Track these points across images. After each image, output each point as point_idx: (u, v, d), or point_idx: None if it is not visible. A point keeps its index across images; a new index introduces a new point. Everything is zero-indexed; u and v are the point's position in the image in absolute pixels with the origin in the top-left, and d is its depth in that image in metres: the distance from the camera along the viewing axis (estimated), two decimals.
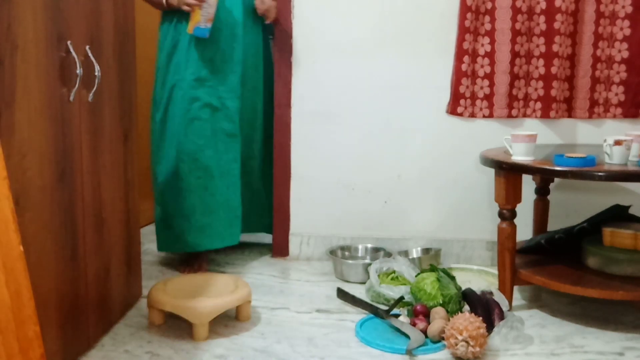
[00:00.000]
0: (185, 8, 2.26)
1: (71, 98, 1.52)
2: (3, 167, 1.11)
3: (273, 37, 2.61)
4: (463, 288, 1.99)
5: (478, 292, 1.96)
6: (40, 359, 1.16)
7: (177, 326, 1.89)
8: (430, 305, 1.90)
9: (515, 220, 2.02)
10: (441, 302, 1.90)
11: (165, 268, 2.48)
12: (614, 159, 1.86)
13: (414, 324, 1.83)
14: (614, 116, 2.49)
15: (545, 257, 2.18)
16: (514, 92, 2.50)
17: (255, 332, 1.87)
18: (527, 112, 2.52)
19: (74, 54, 1.51)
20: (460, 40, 2.46)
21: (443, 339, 1.73)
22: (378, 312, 1.94)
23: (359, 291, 2.17)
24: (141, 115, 2.15)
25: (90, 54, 1.61)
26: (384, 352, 1.73)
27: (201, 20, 2.24)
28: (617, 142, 1.85)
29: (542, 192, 2.44)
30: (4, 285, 1.08)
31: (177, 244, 2.42)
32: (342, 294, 2.12)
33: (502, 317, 1.85)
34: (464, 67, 2.47)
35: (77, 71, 1.52)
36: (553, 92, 2.46)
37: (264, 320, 1.97)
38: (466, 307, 1.93)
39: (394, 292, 2.05)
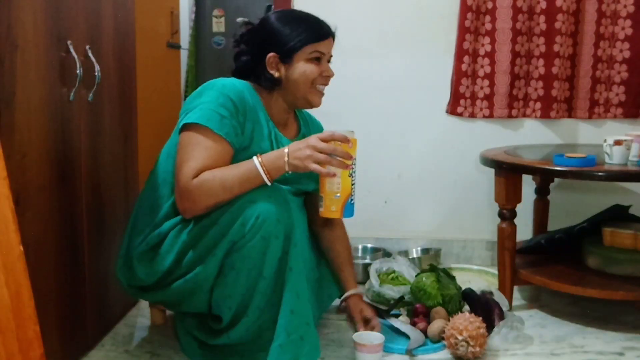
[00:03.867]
0: (322, 170, 1.44)
1: (71, 98, 1.52)
2: (3, 167, 1.11)
3: None
4: (463, 288, 1.99)
5: (478, 292, 1.96)
6: (40, 359, 1.16)
7: None
8: (430, 305, 1.90)
9: (515, 220, 2.02)
10: (441, 302, 1.90)
11: None
12: (614, 159, 1.86)
13: (414, 324, 1.83)
14: (615, 116, 2.48)
15: (545, 257, 2.17)
16: (514, 92, 2.50)
17: None
18: (527, 112, 2.51)
19: (74, 54, 1.51)
20: (461, 40, 2.46)
21: (443, 339, 1.73)
22: (378, 312, 1.94)
23: None
24: (141, 115, 2.15)
25: (90, 54, 1.61)
26: (384, 352, 1.73)
27: (352, 192, 1.48)
28: (617, 142, 1.85)
29: (542, 192, 2.44)
30: (4, 285, 1.08)
31: None
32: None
33: (502, 317, 1.85)
34: (464, 67, 2.47)
35: (77, 71, 1.52)
36: (553, 92, 2.45)
37: None
38: (466, 307, 1.93)
39: (394, 292, 2.05)
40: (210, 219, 1.49)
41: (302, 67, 1.63)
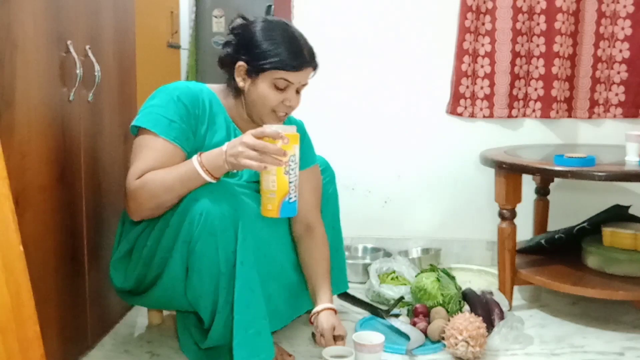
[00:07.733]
0: (254, 166, 1.38)
1: (71, 98, 1.52)
2: (3, 167, 1.11)
3: None
4: (463, 288, 1.99)
5: (478, 292, 1.96)
6: (40, 359, 1.16)
7: None
8: (430, 305, 1.90)
9: (515, 220, 2.02)
10: (441, 302, 1.90)
11: None
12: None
13: (414, 324, 1.83)
14: (614, 116, 2.48)
15: (545, 257, 2.17)
16: (514, 92, 2.50)
17: None
18: (527, 112, 2.52)
19: (74, 53, 1.51)
20: (461, 40, 2.46)
21: (443, 339, 1.73)
22: (378, 312, 1.94)
23: (358, 291, 2.17)
24: None
25: (90, 54, 1.61)
26: (384, 352, 1.73)
27: (290, 191, 1.42)
28: None
29: (542, 192, 2.44)
30: (4, 285, 1.08)
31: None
32: (342, 294, 2.12)
33: (502, 317, 1.85)
34: (464, 67, 2.47)
35: (77, 71, 1.52)
36: (553, 92, 2.45)
37: None
38: (466, 307, 1.93)
39: (394, 292, 2.05)
40: (165, 221, 1.49)
41: (263, 91, 1.55)
